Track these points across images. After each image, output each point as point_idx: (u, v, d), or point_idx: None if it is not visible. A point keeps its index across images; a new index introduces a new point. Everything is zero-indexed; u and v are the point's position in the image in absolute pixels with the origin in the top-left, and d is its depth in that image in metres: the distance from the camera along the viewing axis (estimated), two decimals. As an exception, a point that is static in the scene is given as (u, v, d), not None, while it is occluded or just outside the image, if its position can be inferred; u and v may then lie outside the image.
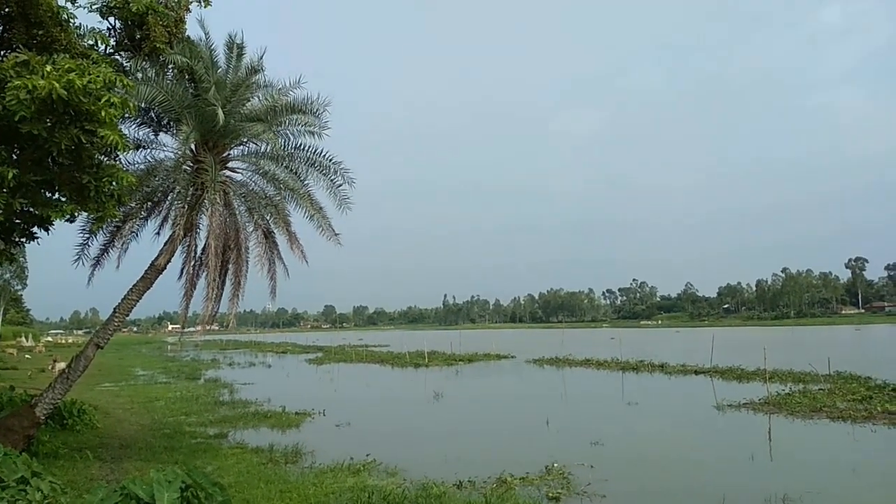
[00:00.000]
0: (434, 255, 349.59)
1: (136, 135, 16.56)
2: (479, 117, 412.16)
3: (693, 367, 39.12)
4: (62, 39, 12.18)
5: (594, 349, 57.22)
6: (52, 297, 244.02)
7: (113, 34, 14.20)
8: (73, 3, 12.76)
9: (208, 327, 19.27)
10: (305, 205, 17.31)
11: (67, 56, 10.76)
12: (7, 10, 11.83)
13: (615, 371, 41.50)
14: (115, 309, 15.52)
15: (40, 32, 12.10)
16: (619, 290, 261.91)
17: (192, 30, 15.79)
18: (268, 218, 17.61)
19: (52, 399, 14.66)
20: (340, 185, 17.31)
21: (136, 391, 32.61)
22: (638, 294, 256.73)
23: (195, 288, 17.48)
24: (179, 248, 16.49)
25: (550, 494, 12.83)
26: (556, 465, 14.99)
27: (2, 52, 12.20)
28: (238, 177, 17.72)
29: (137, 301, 15.66)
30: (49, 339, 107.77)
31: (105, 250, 17.26)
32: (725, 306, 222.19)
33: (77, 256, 17.10)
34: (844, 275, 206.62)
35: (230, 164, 17.44)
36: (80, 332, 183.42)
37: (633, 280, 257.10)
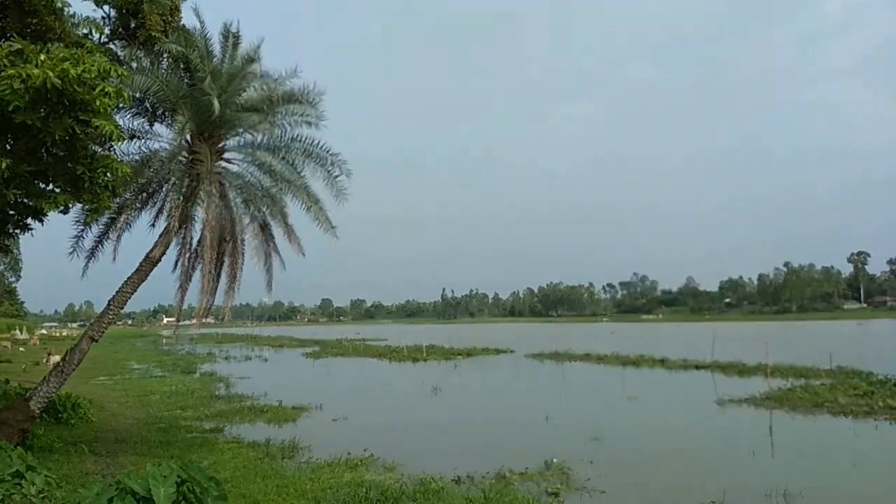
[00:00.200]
0: (433, 248, 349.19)
1: (130, 125, 16.37)
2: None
3: (694, 362, 39.03)
4: (56, 28, 12.05)
5: (594, 343, 57.18)
6: (46, 289, 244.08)
7: (107, 23, 14.07)
8: (67, -8, 12.58)
9: (204, 320, 19.20)
10: (302, 196, 17.17)
11: (62, 45, 10.62)
12: (0, -2, 11.67)
13: (615, 365, 41.44)
14: (109, 302, 15.38)
15: (34, 21, 11.96)
16: (620, 283, 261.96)
17: (187, 19, 15.65)
18: (264, 210, 17.48)
19: (46, 392, 14.54)
20: (338, 177, 17.17)
21: (131, 385, 32.50)
22: (638, 288, 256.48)
23: (190, 281, 17.39)
24: (174, 240, 16.37)
25: (550, 490, 12.73)
26: (555, 460, 14.87)
27: (-5, 41, 12.03)
28: (234, 168, 17.56)
29: (132, 294, 15.50)
30: (43, 331, 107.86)
31: (99, 242, 17.12)
32: (727, 301, 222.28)
33: (72, 248, 16.98)
34: (847, 269, 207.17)
35: (226, 155, 17.26)
36: (74, 324, 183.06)
37: (634, 274, 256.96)
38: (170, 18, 14.41)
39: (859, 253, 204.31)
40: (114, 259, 17.27)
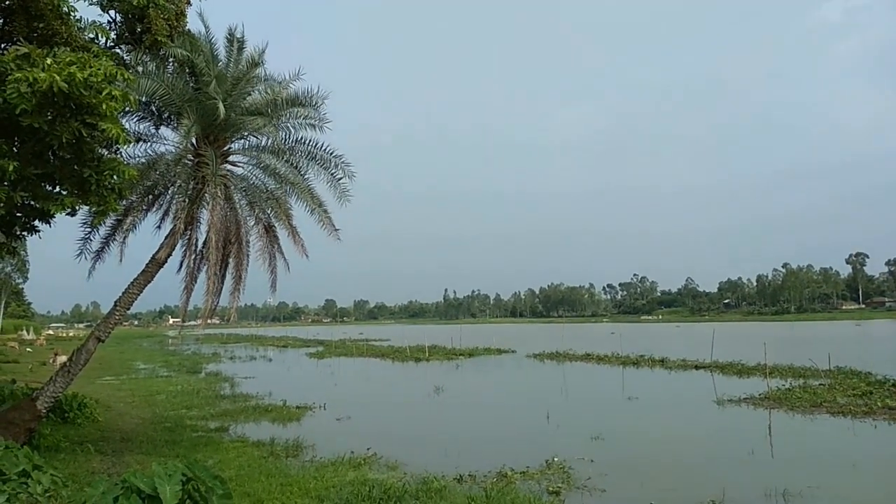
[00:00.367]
0: (435, 250, 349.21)
1: (136, 128, 16.63)
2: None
3: (693, 362, 39.13)
4: (63, 32, 12.14)
5: (594, 344, 57.21)
6: (53, 290, 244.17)
7: (113, 27, 14.15)
8: (73, -3, 12.71)
9: (209, 321, 19.32)
10: (306, 199, 17.33)
11: (68, 49, 10.75)
12: (8, 2, 11.81)
13: (616, 366, 41.49)
14: (115, 302, 15.54)
15: (41, 25, 12.06)
16: (620, 284, 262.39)
17: (192, 23, 15.78)
18: (269, 212, 17.62)
19: (53, 392, 14.69)
20: (341, 179, 17.35)
21: (137, 385, 32.66)
22: (638, 289, 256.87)
23: (196, 282, 17.51)
24: (180, 241, 16.51)
25: (551, 488, 12.85)
26: (556, 459, 15.01)
27: (2, 45, 12.19)
28: (239, 171, 17.73)
29: (138, 295, 15.67)
30: (50, 332, 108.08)
31: (106, 244, 17.30)
32: (726, 301, 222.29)
33: (79, 250, 17.15)
34: (845, 270, 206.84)
35: (231, 158, 17.45)
36: (81, 325, 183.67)
37: (634, 275, 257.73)
38: (175, 23, 14.49)
39: (858, 254, 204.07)
40: (120, 260, 17.48)
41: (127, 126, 13.12)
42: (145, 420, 20.76)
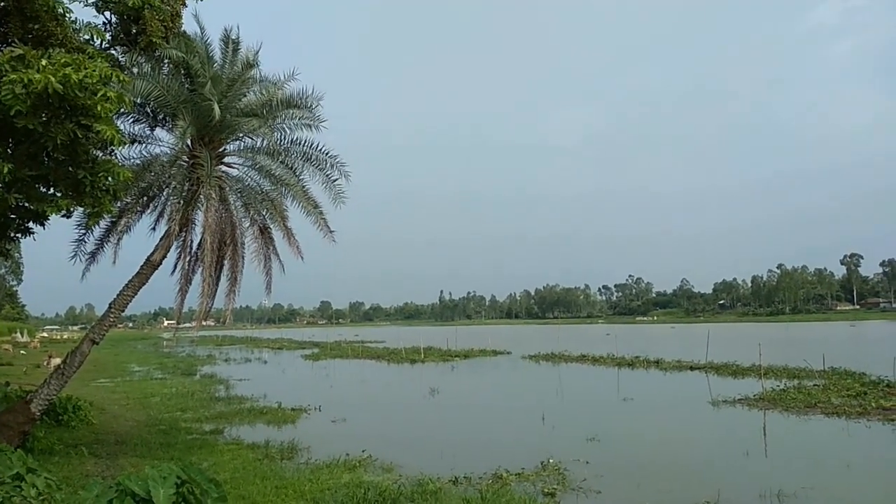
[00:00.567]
0: (430, 252, 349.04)
1: (131, 130, 16.62)
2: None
3: (688, 363, 39.20)
4: (58, 34, 12.11)
5: (590, 345, 57.28)
6: (47, 292, 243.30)
7: (109, 29, 14.11)
8: (68, -2, 12.68)
9: (204, 323, 19.28)
10: (301, 200, 17.31)
11: (63, 51, 10.70)
12: (3, 4, 11.78)
13: (611, 367, 41.57)
14: (110, 305, 15.51)
15: (36, 27, 12.03)
16: (615, 286, 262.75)
17: (187, 25, 15.76)
18: (264, 213, 17.61)
19: (47, 395, 14.64)
20: (336, 180, 17.34)
21: (131, 387, 32.59)
22: (633, 290, 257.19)
23: (191, 284, 17.52)
24: (175, 243, 16.51)
25: (546, 490, 12.87)
26: (551, 460, 15.02)
27: (-3, 47, 12.13)
28: (234, 172, 17.72)
29: (133, 297, 15.63)
30: (44, 334, 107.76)
31: (100, 246, 17.26)
32: (721, 302, 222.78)
33: (73, 252, 17.10)
34: (839, 271, 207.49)
35: (226, 160, 17.43)
36: (75, 327, 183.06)
37: (629, 276, 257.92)
38: (171, 24, 14.47)
39: (852, 255, 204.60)
40: (114, 262, 17.43)
41: (122, 127, 13.12)
42: (140, 423, 20.70)
